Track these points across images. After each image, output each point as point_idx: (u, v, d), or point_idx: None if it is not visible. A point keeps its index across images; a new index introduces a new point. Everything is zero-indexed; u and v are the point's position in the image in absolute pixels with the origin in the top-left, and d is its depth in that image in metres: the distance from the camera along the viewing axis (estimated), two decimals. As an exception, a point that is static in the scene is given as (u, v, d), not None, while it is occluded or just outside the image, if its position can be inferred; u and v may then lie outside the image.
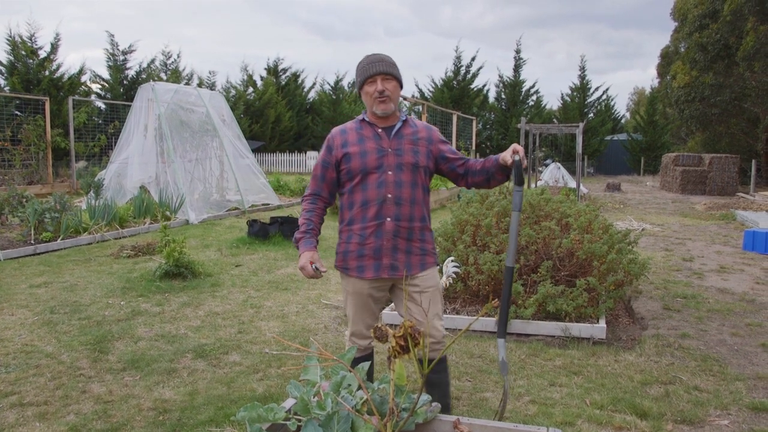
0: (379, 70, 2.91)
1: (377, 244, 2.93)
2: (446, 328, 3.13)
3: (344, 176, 2.99)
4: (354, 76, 3.02)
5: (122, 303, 5.83)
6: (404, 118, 3.03)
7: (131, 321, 5.27)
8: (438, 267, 3.11)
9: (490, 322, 5.10)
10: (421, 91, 37.79)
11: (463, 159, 3.05)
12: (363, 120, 3.02)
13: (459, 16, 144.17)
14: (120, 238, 9.63)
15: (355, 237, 2.97)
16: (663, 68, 31.14)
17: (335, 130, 3.08)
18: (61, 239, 8.87)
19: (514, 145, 2.81)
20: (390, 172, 2.91)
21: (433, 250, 3.09)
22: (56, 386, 3.89)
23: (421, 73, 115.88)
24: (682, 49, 26.49)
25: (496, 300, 2.33)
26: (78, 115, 19.67)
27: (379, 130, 2.97)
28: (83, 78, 25.99)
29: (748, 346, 4.80)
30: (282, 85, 39.15)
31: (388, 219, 2.92)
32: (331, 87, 40.85)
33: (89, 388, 3.87)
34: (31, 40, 23.65)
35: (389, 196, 2.91)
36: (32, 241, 8.60)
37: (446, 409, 3.09)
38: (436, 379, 3.05)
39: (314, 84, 42.13)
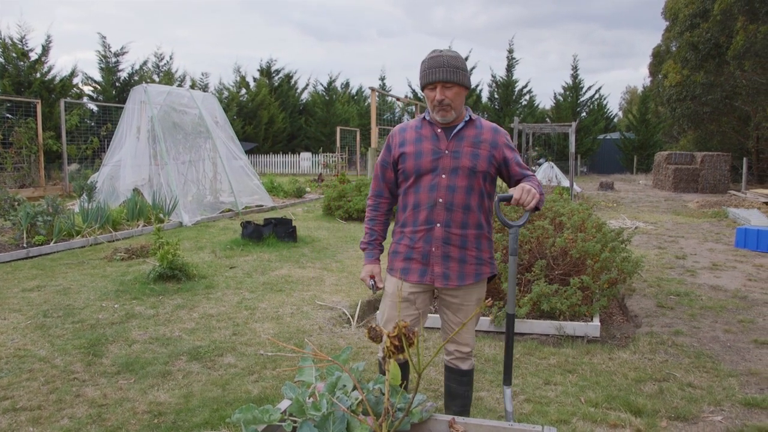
0: (439, 78, 2.71)
1: (425, 249, 2.82)
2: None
3: (400, 176, 2.90)
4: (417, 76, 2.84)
5: (116, 306, 5.81)
6: (468, 118, 2.85)
7: (125, 324, 5.25)
8: (495, 276, 3.00)
9: (484, 322, 5.10)
10: (414, 91, 37.81)
11: (523, 175, 2.84)
12: (425, 119, 2.89)
13: (452, 17, 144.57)
14: (113, 240, 9.59)
15: (406, 239, 2.87)
16: (655, 67, 31.25)
17: (396, 128, 2.97)
18: (54, 242, 8.83)
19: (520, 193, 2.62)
20: (444, 176, 2.77)
21: (491, 260, 2.93)
22: (50, 390, 3.87)
23: (414, 73, 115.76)
24: (674, 48, 26.61)
25: (489, 299, 2.33)
26: (70, 118, 19.61)
27: (438, 131, 2.82)
28: (75, 80, 25.92)
29: (741, 342, 4.82)
30: (275, 86, 39.15)
31: (438, 225, 2.79)
32: (324, 88, 40.86)
33: (83, 392, 3.85)
34: (21, 42, 23.56)
35: (440, 200, 2.78)
36: (24, 245, 8.56)
37: (465, 408, 3.07)
38: (460, 391, 3.02)
39: (307, 85, 42.33)
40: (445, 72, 2.71)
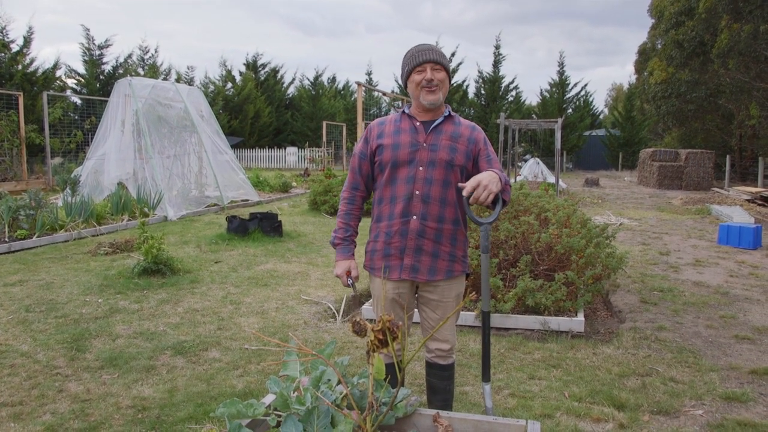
0: (429, 58, 2.75)
1: (402, 244, 2.80)
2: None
3: (377, 169, 2.88)
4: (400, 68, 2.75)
5: (100, 301, 5.76)
6: (448, 113, 2.86)
7: (109, 318, 5.22)
8: (467, 275, 2.98)
9: (469, 317, 5.12)
10: (401, 86, 37.75)
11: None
12: (404, 113, 2.89)
13: (439, 13, 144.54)
14: (97, 235, 9.52)
15: (382, 235, 2.85)
16: (640, 65, 31.47)
17: (375, 121, 2.96)
18: (37, 237, 8.74)
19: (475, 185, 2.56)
20: (421, 168, 2.76)
21: (464, 257, 2.91)
22: (32, 386, 3.83)
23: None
24: (659, 46, 26.80)
25: (474, 293, 2.34)
26: (53, 111, 19.38)
27: (417, 124, 2.82)
28: (58, 73, 25.64)
29: (722, 337, 4.87)
30: (261, 81, 38.99)
31: (414, 217, 2.77)
32: (311, 83, 40.73)
33: (66, 387, 3.82)
34: (2, 33, 23.21)
35: (417, 192, 2.76)
36: (6, 239, 8.47)
37: (447, 403, 3.07)
38: (441, 385, 3.01)
39: (294, 79, 42.08)
40: (434, 53, 2.77)
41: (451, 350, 2.99)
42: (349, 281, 2.89)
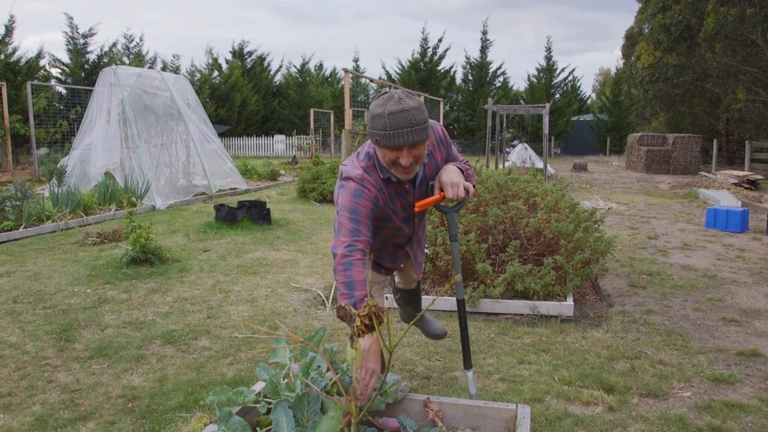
0: (407, 141, 2.34)
1: (393, 264, 3.08)
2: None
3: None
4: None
5: (88, 291, 5.73)
6: (426, 161, 2.68)
7: (98, 309, 5.19)
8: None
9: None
10: (388, 73, 37.69)
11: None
12: (389, 179, 2.59)
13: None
14: (85, 225, 9.45)
15: (371, 256, 3.01)
16: (628, 49, 31.54)
17: (370, 185, 2.54)
18: (24, 228, 8.67)
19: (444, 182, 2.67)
20: (416, 219, 2.88)
21: (425, 239, 3.31)
22: (21, 377, 3.81)
23: (388, 55, 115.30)
24: (646, 30, 26.82)
25: (459, 275, 2.35)
26: (37, 101, 19.16)
27: (407, 186, 2.67)
28: (42, 62, 25.30)
29: (710, 320, 4.92)
30: (248, 69, 38.74)
31: (407, 247, 3.03)
32: (298, 70, 40.50)
33: (55, 378, 3.80)
34: (-17, 22, 22.92)
35: (413, 236, 2.99)
36: (-7, 230, 8.39)
37: (418, 309, 3.61)
38: (412, 299, 3.53)
39: (281, 67, 41.94)
40: (413, 133, 2.34)
41: (416, 281, 3.43)
42: (335, 345, 2.44)
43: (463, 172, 2.76)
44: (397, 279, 3.52)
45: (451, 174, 2.66)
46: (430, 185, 2.75)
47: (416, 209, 2.68)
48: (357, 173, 2.53)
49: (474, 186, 2.78)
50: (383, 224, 2.74)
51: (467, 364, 2.91)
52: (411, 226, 2.88)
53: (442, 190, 2.67)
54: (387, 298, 4.52)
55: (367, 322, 1.85)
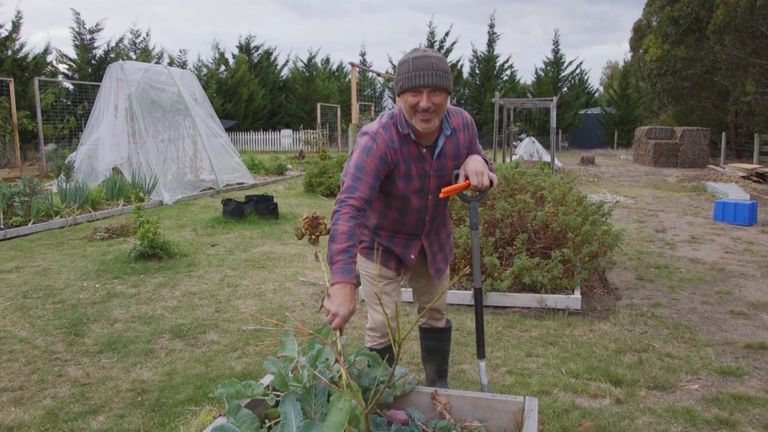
0: (427, 83, 2.43)
1: (404, 254, 2.85)
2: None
3: (382, 190, 2.68)
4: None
5: (97, 285, 5.77)
6: (449, 133, 2.67)
7: (107, 303, 5.22)
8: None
9: (466, 296, 5.14)
10: (395, 67, 37.52)
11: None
12: (408, 135, 2.61)
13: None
14: (93, 220, 9.50)
15: (382, 240, 2.85)
16: (636, 42, 31.30)
17: (382, 141, 2.57)
18: (32, 223, 8.72)
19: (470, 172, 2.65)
20: (431, 196, 2.72)
21: (451, 251, 3.09)
22: (31, 371, 3.84)
23: (395, 48, 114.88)
24: (654, 23, 26.65)
25: (468, 267, 2.36)
26: (45, 97, 19.21)
27: (424, 151, 2.64)
28: (49, 58, 25.31)
29: (718, 313, 4.90)
30: (254, 63, 38.72)
31: (421, 236, 2.86)
32: (305, 64, 40.47)
33: (65, 372, 3.83)
34: (-9, 18, 22.95)
35: (426, 218, 2.79)
36: (1, 226, 8.44)
37: (443, 375, 3.25)
38: (438, 346, 3.20)
39: (287, 61, 41.77)
40: (434, 76, 2.44)
41: (443, 313, 3.20)
42: (344, 339, 2.27)
43: (487, 163, 2.75)
44: (414, 296, 3.21)
45: (476, 163, 2.65)
46: (454, 174, 2.70)
47: (441, 195, 2.65)
48: (373, 128, 2.62)
49: (493, 181, 2.70)
50: (392, 190, 2.66)
51: (480, 354, 2.91)
52: (424, 202, 2.73)
53: (467, 178, 2.65)
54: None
55: (312, 223, 2.08)
